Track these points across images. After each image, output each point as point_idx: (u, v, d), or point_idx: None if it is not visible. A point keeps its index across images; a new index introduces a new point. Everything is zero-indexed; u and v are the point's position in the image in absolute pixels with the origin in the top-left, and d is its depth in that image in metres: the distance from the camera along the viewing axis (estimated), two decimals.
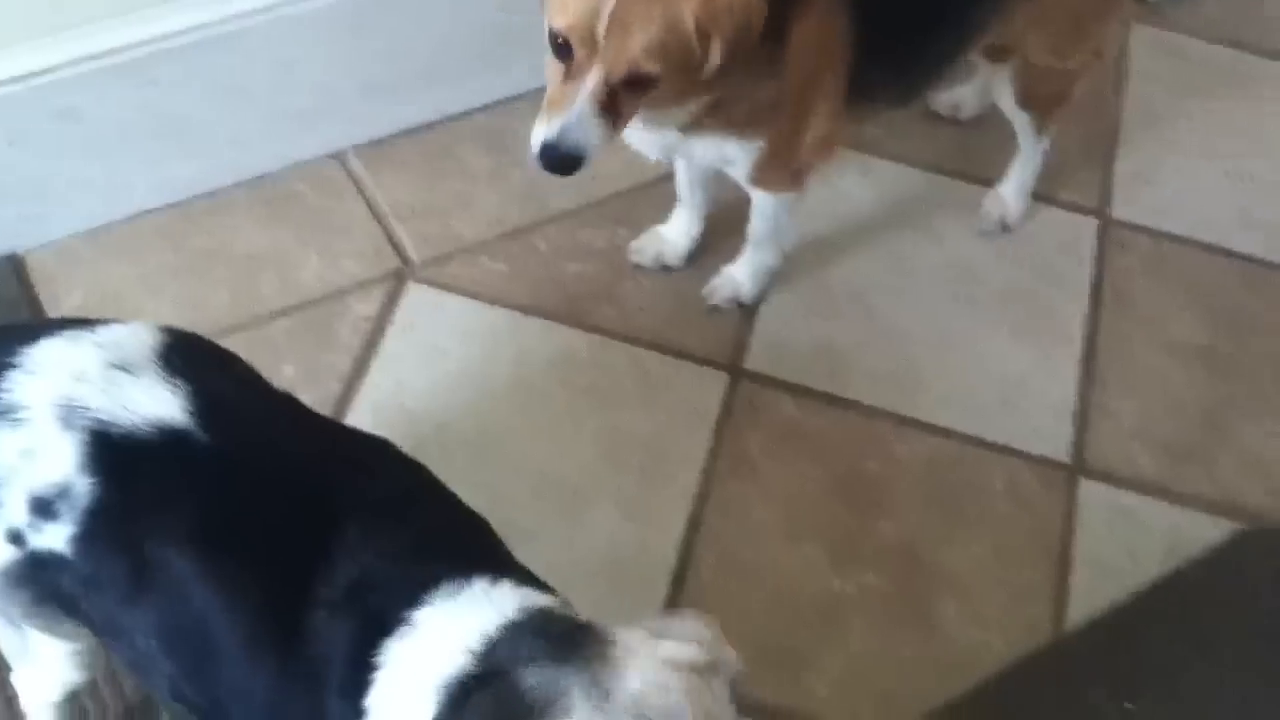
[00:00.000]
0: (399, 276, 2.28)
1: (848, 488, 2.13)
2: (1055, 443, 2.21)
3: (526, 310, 2.27)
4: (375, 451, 1.49)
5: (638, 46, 1.63)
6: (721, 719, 1.24)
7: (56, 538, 1.33)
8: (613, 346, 2.24)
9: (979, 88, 2.53)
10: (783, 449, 2.16)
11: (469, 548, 1.41)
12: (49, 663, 1.58)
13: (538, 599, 1.31)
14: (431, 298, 2.27)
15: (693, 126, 1.89)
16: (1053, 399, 2.26)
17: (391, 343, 2.20)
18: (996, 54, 2.20)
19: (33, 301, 2.16)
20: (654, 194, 2.43)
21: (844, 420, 2.20)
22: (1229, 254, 2.50)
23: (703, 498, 2.09)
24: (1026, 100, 2.28)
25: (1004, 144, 2.44)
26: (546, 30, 1.69)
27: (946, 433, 2.20)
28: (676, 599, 1.97)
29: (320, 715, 1.30)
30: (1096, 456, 2.20)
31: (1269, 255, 2.51)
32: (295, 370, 2.14)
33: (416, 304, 2.25)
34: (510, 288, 2.29)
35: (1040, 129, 2.37)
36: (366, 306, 2.24)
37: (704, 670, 1.24)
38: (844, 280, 2.38)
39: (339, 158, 2.43)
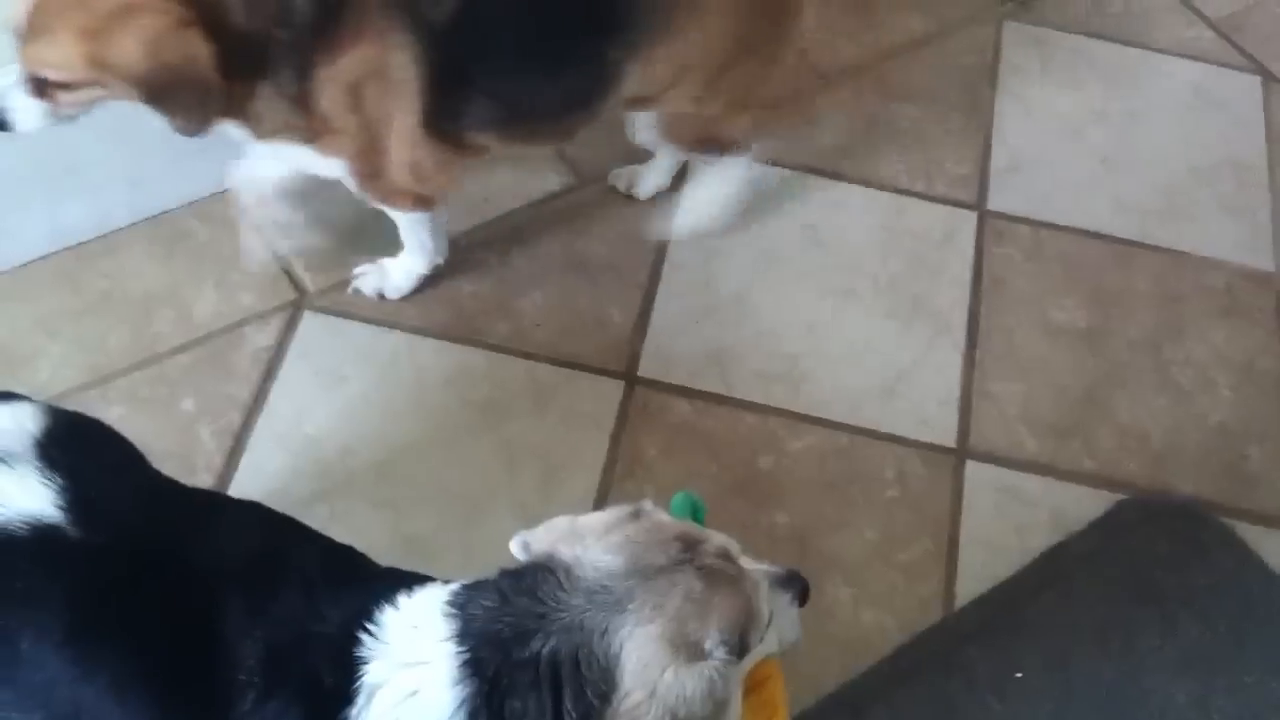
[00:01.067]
0: (295, 305, 2.33)
1: (743, 484, 2.20)
2: (941, 429, 2.29)
3: (423, 332, 2.32)
4: (244, 516, 1.50)
5: (36, 55, 1.74)
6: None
7: None
8: (509, 362, 2.30)
9: (656, 167, 2.52)
10: (678, 449, 2.22)
11: (361, 581, 1.41)
12: None
13: (449, 585, 1.35)
14: (328, 325, 2.31)
15: (265, 134, 1.93)
16: (937, 387, 2.34)
17: (290, 371, 2.25)
18: (637, 104, 2.16)
19: None
20: (545, 210, 2.50)
21: (736, 419, 2.27)
22: (1103, 238, 2.60)
23: (601, 500, 2.14)
24: (671, 138, 2.27)
25: (876, 144, 2.53)
26: None
27: (835, 425, 2.27)
28: None
29: None
30: (981, 439, 2.28)
31: (1143, 237, 2.61)
32: (195, 404, 2.18)
33: (313, 331, 2.30)
34: (406, 310, 2.34)
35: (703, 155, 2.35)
36: (264, 337, 2.28)
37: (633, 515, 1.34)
38: (728, 284, 2.45)
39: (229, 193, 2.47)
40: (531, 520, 2.07)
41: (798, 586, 1.47)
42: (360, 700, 1.28)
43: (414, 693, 1.27)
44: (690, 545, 1.31)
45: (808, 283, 2.47)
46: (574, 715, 1.24)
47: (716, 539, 1.36)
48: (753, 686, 1.43)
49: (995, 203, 2.63)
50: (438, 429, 2.21)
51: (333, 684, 1.29)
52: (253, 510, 1.51)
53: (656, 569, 1.28)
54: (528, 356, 2.31)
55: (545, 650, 1.25)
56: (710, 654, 1.26)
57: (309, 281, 2.36)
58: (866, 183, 2.60)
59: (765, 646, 1.38)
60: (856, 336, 2.40)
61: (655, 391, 2.29)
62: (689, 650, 1.25)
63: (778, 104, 2.37)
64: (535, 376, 2.29)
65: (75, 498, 1.36)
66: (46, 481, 1.36)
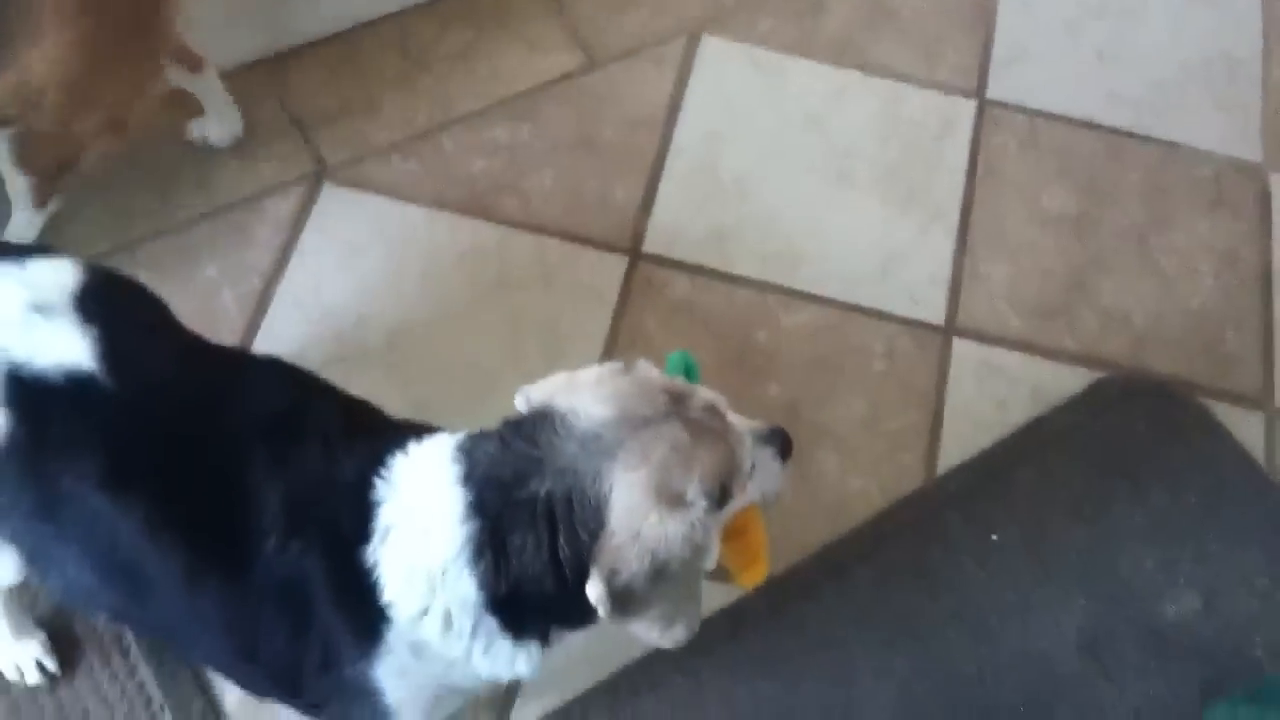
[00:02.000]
0: (315, 178, 2.42)
1: (738, 355, 2.30)
2: (930, 308, 2.39)
3: (437, 206, 2.41)
4: (267, 372, 1.58)
5: None
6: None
7: None
8: (517, 236, 2.39)
9: None
10: (678, 323, 2.33)
11: (375, 432, 1.49)
12: None
13: (456, 435, 1.43)
14: (347, 197, 2.41)
15: None
16: (929, 268, 2.44)
17: (309, 241, 2.34)
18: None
19: None
20: (555, 91, 2.58)
21: (734, 295, 2.37)
22: (1097, 128, 2.67)
23: None
24: (25, 164, 2.10)
25: (879, 32, 2.57)
26: None
27: (829, 302, 2.38)
28: None
29: (304, 633, 1.40)
30: (968, 318, 2.38)
31: (1135, 129, 2.68)
32: (217, 270, 2.28)
33: (332, 204, 2.39)
34: (421, 186, 2.43)
35: (41, 199, 2.18)
36: (284, 208, 2.37)
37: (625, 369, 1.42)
38: (730, 167, 2.53)
39: (254, 66, 2.55)
40: None
41: (778, 440, 1.54)
42: (375, 540, 1.38)
43: (424, 531, 1.37)
44: (678, 399, 1.39)
45: (807, 168, 2.55)
46: (567, 551, 1.33)
47: (703, 394, 1.44)
48: (734, 533, 1.51)
49: (994, 92, 2.69)
50: (449, 300, 2.32)
51: (349, 526, 1.38)
52: (274, 366, 1.59)
53: (644, 419, 1.35)
54: (536, 231, 2.40)
55: (542, 491, 1.33)
56: (692, 503, 1.33)
57: (328, 154, 2.45)
58: (867, 70, 2.67)
59: (747, 497, 1.46)
60: (852, 220, 2.49)
61: (658, 267, 2.39)
62: (671, 498, 1.32)
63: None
64: (543, 251, 2.38)
65: (109, 350, 1.44)
66: (83, 333, 1.44)
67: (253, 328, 2.23)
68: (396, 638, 1.39)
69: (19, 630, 1.87)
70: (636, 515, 1.32)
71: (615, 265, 2.39)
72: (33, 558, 1.54)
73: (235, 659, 1.50)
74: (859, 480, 2.19)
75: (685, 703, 1.94)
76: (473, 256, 2.37)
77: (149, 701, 1.89)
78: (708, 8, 2.74)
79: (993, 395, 2.30)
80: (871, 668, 1.99)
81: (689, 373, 1.69)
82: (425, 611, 1.38)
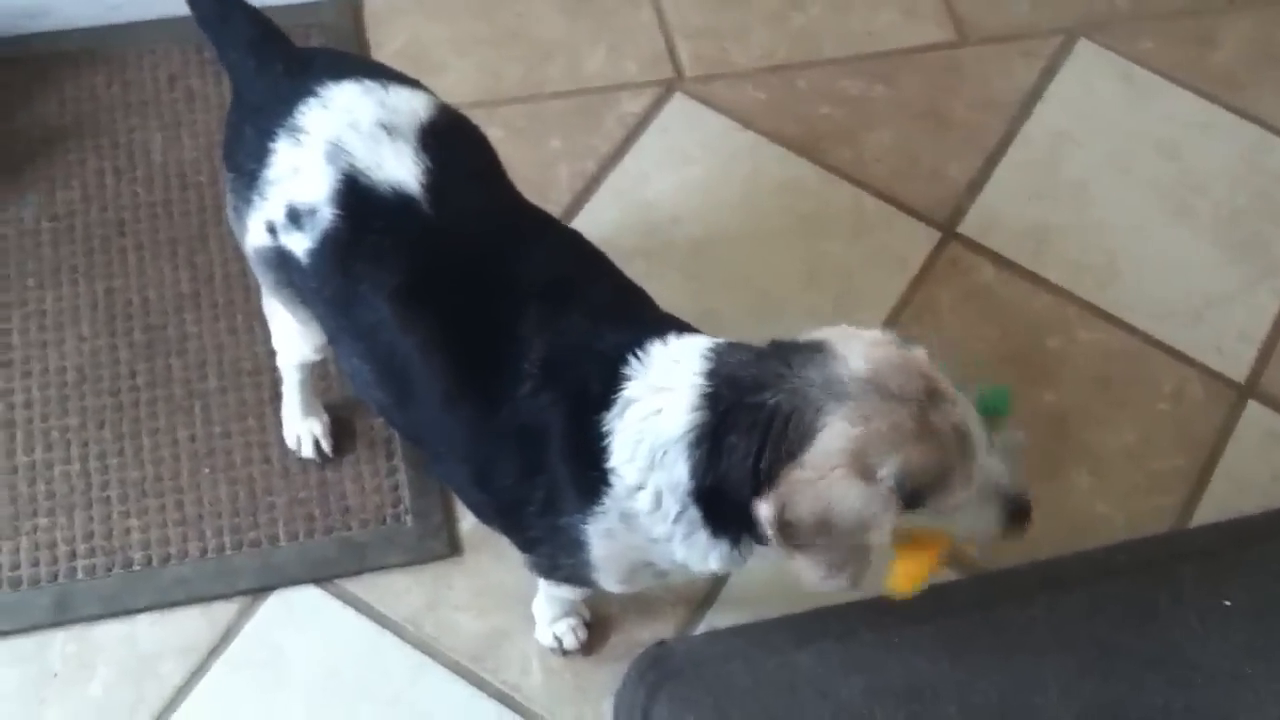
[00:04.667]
0: (669, 85, 2.54)
1: (1022, 356, 2.30)
2: (1235, 363, 2.32)
3: (772, 138, 2.50)
4: (564, 241, 1.70)
5: None
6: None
7: (298, 245, 1.60)
8: (840, 185, 2.45)
9: None
10: (971, 309, 2.34)
11: (642, 318, 1.60)
12: (288, 333, 1.91)
13: (721, 339, 1.51)
14: (692, 109, 2.52)
15: None
16: (1244, 323, 2.36)
17: (648, 141, 2.48)
18: None
19: (361, 40, 2.52)
20: (918, 59, 2.61)
21: (1036, 296, 2.36)
22: None
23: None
24: None
25: (1265, 76, 2.47)
26: None
27: (1131, 329, 2.34)
28: None
29: (533, 475, 1.53)
30: (1272, 383, 2.30)
31: None
32: (561, 144, 2.45)
33: (678, 112, 2.52)
34: (764, 115, 2.52)
35: None
36: (635, 105, 2.51)
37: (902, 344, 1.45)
38: (1071, 170, 2.51)
39: None
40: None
41: (1013, 506, 1.51)
42: (615, 409, 1.47)
43: (658, 411, 1.45)
44: (932, 395, 1.39)
45: (1150, 191, 2.50)
46: (766, 465, 1.38)
47: (961, 411, 1.40)
48: (913, 542, 1.50)
49: None
50: (758, 226, 2.41)
51: (597, 391, 1.48)
52: (573, 238, 1.71)
53: (889, 392, 1.37)
54: (859, 185, 2.46)
55: (771, 401, 1.39)
56: (879, 481, 1.35)
57: (688, 66, 2.57)
58: (1239, 111, 2.57)
59: (944, 519, 1.45)
60: (1180, 255, 2.43)
61: (968, 250, 2.40)
62: (864, 467, 1.34)
63: None
64: (860, 205, 2.44)
65: (437, 182, 1.58)
66: (418, 160, 1.58)
67: (577, 204, 2.39)
68: (612, 503, 1.49)
69: (308, 409, 2.10)
70: (827, 462, 1.35)
71: (927, 237, 2.41)
72: (332, 339, 1.73)
73: (469, 484, 1.64)
74: (1106, 507, 2.16)
75: (867, 659, 1.98)
76: (792, 192, 2.44)
77: (397, 502, 2.09)
78: (1094, 13, 2.70)
79: (1273, 466, 2.21)
80: (1060, 686, 1.97)
81: (995, 406, 1.58)
82: (640, 486, 1.47)
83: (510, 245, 1.61)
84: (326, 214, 1.56)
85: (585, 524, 1.53)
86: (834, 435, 1.35)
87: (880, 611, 2.01)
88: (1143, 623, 2.03)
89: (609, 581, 1.65)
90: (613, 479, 1.48)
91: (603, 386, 1.48)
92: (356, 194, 1.56)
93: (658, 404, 1.46)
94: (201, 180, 2.35)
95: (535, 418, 1.51)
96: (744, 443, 1.39)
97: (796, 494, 1.36)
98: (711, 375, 1.44)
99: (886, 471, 1.35)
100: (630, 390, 1.47)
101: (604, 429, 1.47)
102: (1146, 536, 2.13)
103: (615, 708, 1.88)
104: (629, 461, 1.46)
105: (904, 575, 1.52)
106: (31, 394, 2.15)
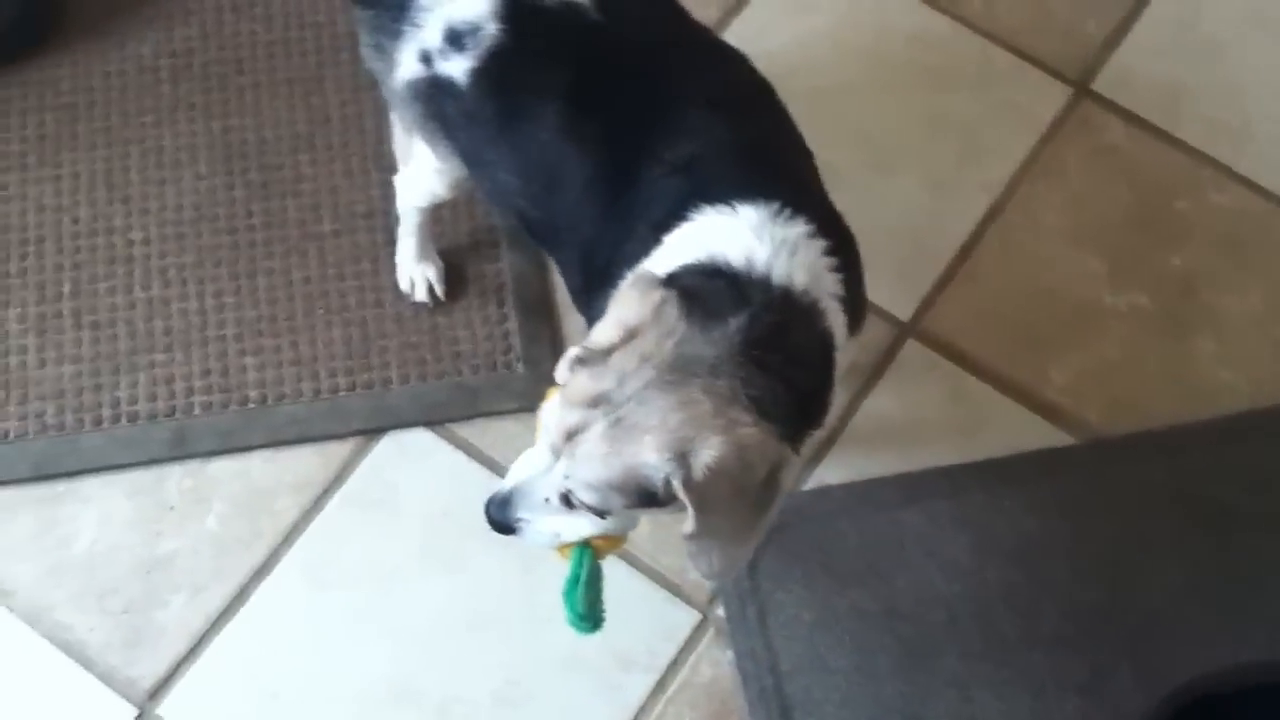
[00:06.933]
0: None
1: (1150, 217, 2.23)
2: None
3: None
4: (724, 60, 1.68)
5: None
6: None
7: (457, 68, 1.60)
8: (969, 37, 2.37)
9: None
10: (1100, 168, 2.26)
11: (790, 171, 1.60)
12: (423, 172, 1.90)
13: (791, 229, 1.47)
14: None
15: None
16: None
17: None
18: None
19: None
20: None
21: (1168, 157, 2.27)
22: None
23: (1010, 191, 2.24)
24: None
25: None
26: None
27: (1265, 193, 2.24)
28: (955, 269, 2.17)
29: (625, 237, 1.54)
30: None
31: None
32: None
33: None
34: None
35: None
36: None
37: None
38: (1215, 28, 2.40)
39: None
40: (938, 189, 2.19)
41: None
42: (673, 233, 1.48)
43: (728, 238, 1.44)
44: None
45: None
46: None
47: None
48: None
49: None
50: (880, 77, 2.34)
51: (695, 204, 1.48)
52: (740, 64, 1.68)
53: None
54: (990, 37, 2.37)
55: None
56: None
57: None
58: None
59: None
60: None
61: (1099, 108, 2.31)
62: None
63: None
64: (989, 58, 2.35)
65: None
66: None
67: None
68: None
69: (423, 254, 2.10)
70: None
71: (1058, 94, 2.33)
72: (473, 162, 1.71)
73: (579, 269, 1.65)
74: (1229, 373, 2.10)
75: (976, 519, 1.98)
76: (921, 44, 2.36)
77: (508, 349, 2.10)
78: None
79: None
80: (1169, 547, 1.95)
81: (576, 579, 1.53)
82: None
83: (674, 56, 1.62)
84: (490, 29, 1.57)
85: None
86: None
87: (993, 474, 2.00)
88: (1260, 485, 2.01)
89: None
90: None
91: (706, 197, 1.48)
92: (519, 8, 1.57)
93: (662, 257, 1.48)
94: (320, 20, 2.34)
95: (655, 194, 1.52)
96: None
97: None
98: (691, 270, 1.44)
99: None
100: (680, 230, 1.48)
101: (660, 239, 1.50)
102: (1270, 406, 2.07)
103: None
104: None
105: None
106: (149, 230, 2.18)
